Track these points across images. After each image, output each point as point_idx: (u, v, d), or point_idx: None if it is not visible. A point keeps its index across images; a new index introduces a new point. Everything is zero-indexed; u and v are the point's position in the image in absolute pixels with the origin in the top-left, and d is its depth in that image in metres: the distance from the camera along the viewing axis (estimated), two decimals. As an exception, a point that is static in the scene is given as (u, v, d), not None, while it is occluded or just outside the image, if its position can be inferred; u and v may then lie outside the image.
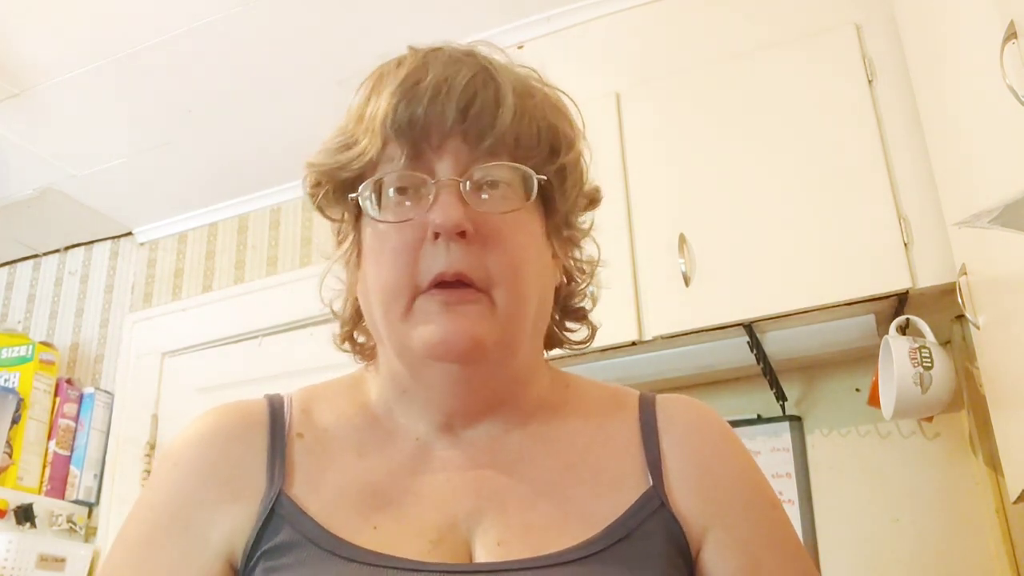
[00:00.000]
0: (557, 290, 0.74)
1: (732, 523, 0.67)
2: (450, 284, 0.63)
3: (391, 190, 0.66)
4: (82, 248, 2.89)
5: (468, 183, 0.64)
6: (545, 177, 0.68)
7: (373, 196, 0.66)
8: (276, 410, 0.71)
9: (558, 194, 0.70)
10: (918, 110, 1.47)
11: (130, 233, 2.82)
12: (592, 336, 0.78)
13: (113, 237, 2.84)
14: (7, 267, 2.99)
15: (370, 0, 1.91)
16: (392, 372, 0.71)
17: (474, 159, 0.65)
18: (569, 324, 0.78)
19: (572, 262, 0.75)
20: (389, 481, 0.67)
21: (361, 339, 0.76)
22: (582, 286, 0.77)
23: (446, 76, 0.65)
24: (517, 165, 0.66)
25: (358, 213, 0.69)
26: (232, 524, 0.65)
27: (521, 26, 1.97)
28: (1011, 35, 0.89)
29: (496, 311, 0.64)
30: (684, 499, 0.67)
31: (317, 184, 0.70)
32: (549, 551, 0.62)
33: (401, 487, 0.66)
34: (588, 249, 0.77)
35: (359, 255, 0.70)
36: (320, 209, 0.72)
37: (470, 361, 0.64)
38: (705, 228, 1.60)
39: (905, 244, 1.45)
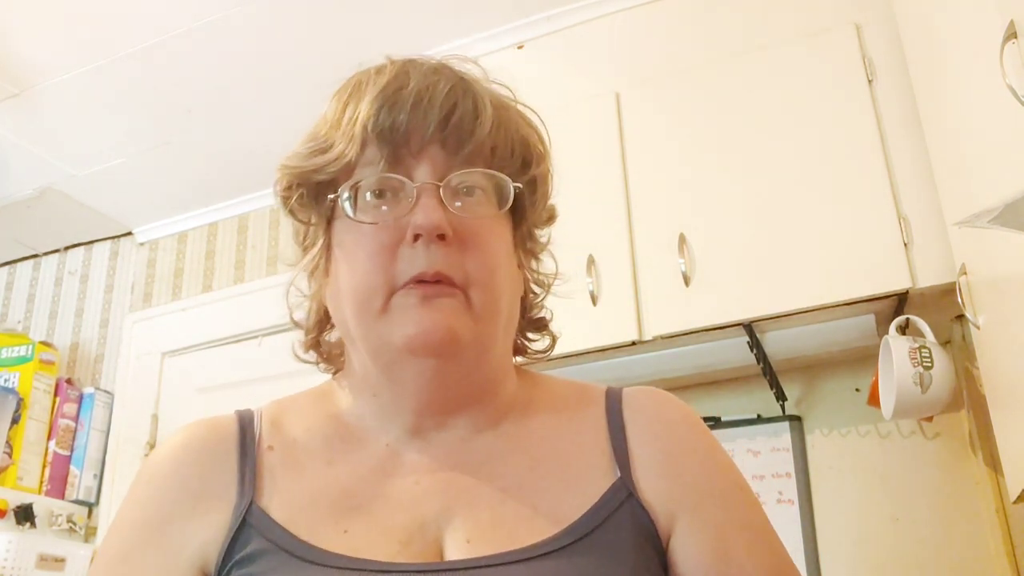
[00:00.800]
0: (522, 299, 0.76)
1: (699, 507, 0.68)
2: (428, 282, 0.65)
3: (368, 193, 0.67)
4: (82, 248, 2.89)
5: (446, 188, 0.66)
6: (520, 186, 0.70)
7: (351, 198, 0.67)
8: (245, 425, 0.72)
9: (528, 205, 0.73)
10: (918, 110, 1.47)
11: (130, 233, 2.82)
12: (552, 345, 0.80)
13: (113, 237, 2.84)
14: (7, 267, 2.99)
15: (370, 0, 1.91)
16: (364, 375, 0.71)
17: (451, 166, 0.67)
18: (530, 334, 0.79)
19: (532, 274, 0.77)
20: (359, 486, 0.67)
21: (325, 348, 0.77)
22: (540, 298, 0.79)
23: (428, 85, 0.66)
24: (493, 172, 0.68)
25: (330, 216, 0.70)
26: (204, 536, 0.65)
27: (521, 26, 1.97)
28: (1011, 35, 0.90)
29: (472, 309, 0.66)
30: (651, 488, 0.68)
31: (289, 187, 0.71)
32: (518, 546, 0.62)
33: (371, 491, 0.67)
34: (546, 265, 0.80)
35: (327, 260, 0.71)
36: (292, 213, 0.73)
37: (446, 355, 0.65)
38: (705, 228, 1.60)
39: (905, 244, 1.45)
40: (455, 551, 0.63)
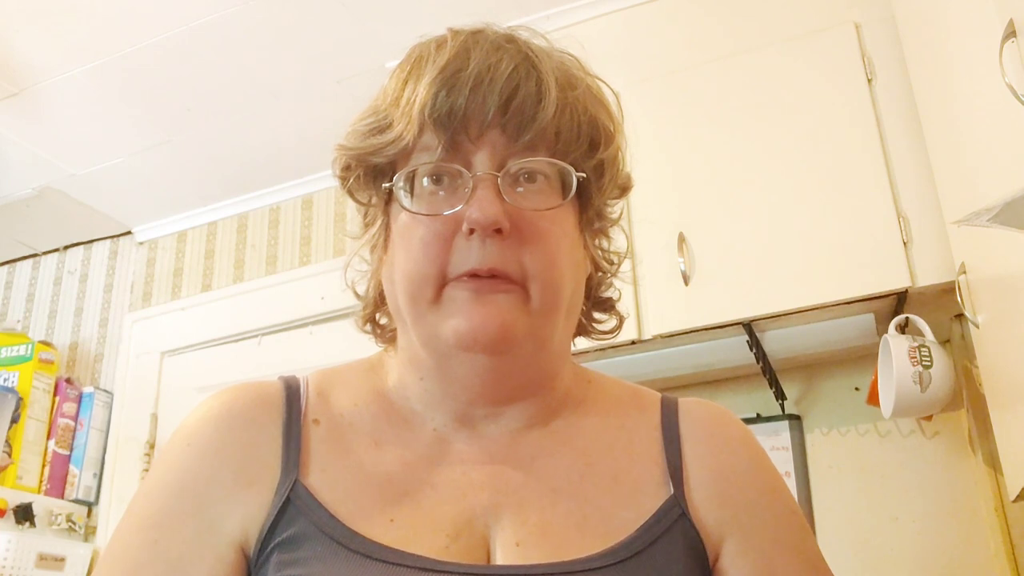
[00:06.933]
0: (587, 281, 0.73)
1: (750, 530, 0.67)
2: (482, 276, 0.62)
3: (425, 179, 0.65)
4: (81, 247, 2.89)
5: (505, 177, 0.63)
6: (584, 174, 0.67)
7: (406, 185, 0.65)
8: (292, 394, 0.70)
9: (594, 189, 0.69)
10: (917, 109, 1.47)
11: (129, 232, 2.82)
12: (620, 326, 0.77)
13: (112, 236, 2.84)
14: (6, 266, 2.98)
15: (370, 0, 1.91)
16: (412, 359, 0.69)
17: (512, 152, 0.64)
18: (597, 315, 0.77)
19: (600, 252, 0.75)
20: (405, 472, 0.66)
21: (383, 321, 0.75)
22: (609, 276, 0.76)
23: (488, 65, 0.64)
24: (556, 161, 0.65)
25: (388, 197, 0.68)
26: (246, 511, 0.63)
27: (521, 25, 1.96)
28: (1010, 34, 0.90)
29: (530, 304, 0.64)
30: (704, 508, 0.66)
31: (347, 167, 0.69)
32: (569, 556, 0.61)
33: (418, 478, 0.65)
34: (616, 239, 0.77)
35: (387, 239, 0.69)
36: (350, 193, 0.71)
37: (499, 352, 0.63)
38: (704, 227, 1.60)
39: (904, 243, 1.45)
40: (503, 553, 0.62)
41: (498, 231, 0.62)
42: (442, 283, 0.63)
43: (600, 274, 0.75)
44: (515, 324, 0.62)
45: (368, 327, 0.75)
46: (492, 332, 0.62)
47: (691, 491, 0.67)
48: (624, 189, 0.75)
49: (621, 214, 0.76)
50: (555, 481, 0.66)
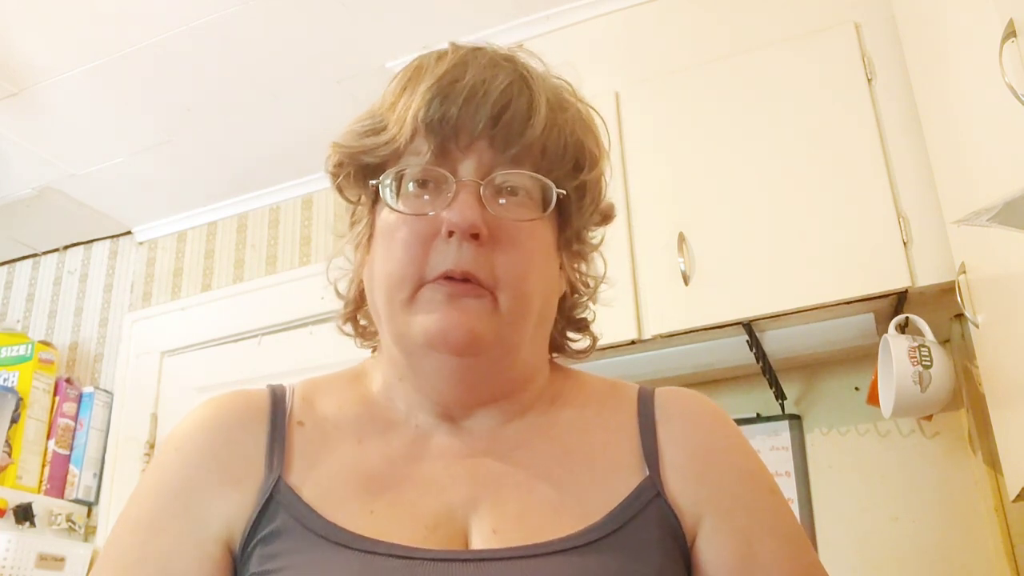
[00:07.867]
0: (562, 300, 0.75)
1: (727, 509, 0.68)
2: (456, 280, 0.64)
3: (411, 183, 0.67)
4: (81, 247, 2.89)
5: (488, 186, 0.66)
6: (564, 192, 0.69)
7: (393, 185, 0.68)
8: (278, 399, 0.72)
9: (575, 209, 0.72)
10: (917, 109, 1.47)
11: (129, 232, 2.82)
12: (593, 346, 0.80)
13: (112, 236, 2.84)
14: (6, 266, 2.99)
15: (370, 0, 1.91)
16: (391, 359, 0.72)
17: (497, 164, 0.66)
18: (571, 333, 0.79)
19: (577, 275, 0.77)
20: (387, 467, 0.68)
21: (363, 321, 0.77)
22: (584, 299, 0.78)
23: (483, 79, 0.66)
24: (537, 176, 0.68)
25: (375, 198, 0.71)
26: (231, 509, 0.65)
27: (520, 25, 1.97)
28: (1010, 34, 0.90)
29: (498, 311, 0.65)
30: (680, 488, 0.68)
31: (340, 164, 0.72)
32: (544, 539, 0.62)
33: (399, 473, 0.67)
34: (596, 264, 0.79)
35: (370, 239, 0.71)
36: (339, 189, 0.73)
37: (466, 354, 0.65)
38: (704, 227, 1.60)
39: (904, 243, 1.45)
40: (480, 539, 0.63)
41: (475, 236, 0.64)
42: (418, 284, 0.65)
43: (576, 295, 0.78)
44: (483, 329, 0.65)
45: (348, 326, 0.78)
46: (460, 334, 0.64)
47: (666, 472, 0.68)
48: (606, 217, 0.77)
49: (602, 241, 0.78)
50: (533, 470, 0.68)
